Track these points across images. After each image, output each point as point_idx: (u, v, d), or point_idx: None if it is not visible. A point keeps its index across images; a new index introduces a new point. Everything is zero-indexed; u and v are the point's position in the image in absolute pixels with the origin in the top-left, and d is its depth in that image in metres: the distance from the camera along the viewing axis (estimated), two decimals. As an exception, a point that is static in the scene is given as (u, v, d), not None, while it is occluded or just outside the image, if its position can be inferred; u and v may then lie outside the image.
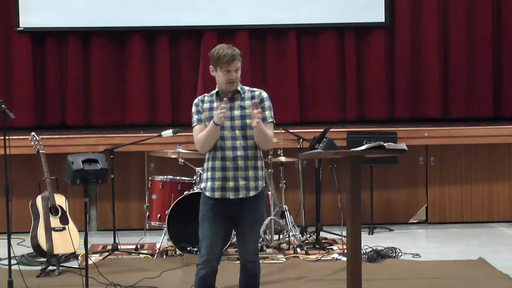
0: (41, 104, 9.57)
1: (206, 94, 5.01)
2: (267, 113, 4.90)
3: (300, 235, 7.76)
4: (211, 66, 4.91)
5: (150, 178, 7.69)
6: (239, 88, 4.91)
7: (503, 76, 9.85)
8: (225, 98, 4.79)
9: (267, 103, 4.92)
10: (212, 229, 4.85)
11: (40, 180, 7.18)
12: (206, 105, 4.94)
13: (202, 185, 4.95)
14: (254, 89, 4.98)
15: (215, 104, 4.90)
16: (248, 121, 4.84)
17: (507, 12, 9.81)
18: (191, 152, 7.61)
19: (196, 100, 4.99)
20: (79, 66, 9.54)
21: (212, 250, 4.84)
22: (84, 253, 5.77)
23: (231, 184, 4.84)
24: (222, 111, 4.72)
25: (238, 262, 5.04)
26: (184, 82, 9.64)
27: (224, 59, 4.81)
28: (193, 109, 4.96)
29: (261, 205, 4.99)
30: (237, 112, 4.87)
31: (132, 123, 9.58)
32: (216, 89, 4.95)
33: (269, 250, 7.49)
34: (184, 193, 7.26)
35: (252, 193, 4.87)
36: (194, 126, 4.94)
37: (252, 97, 4.88)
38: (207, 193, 4.90)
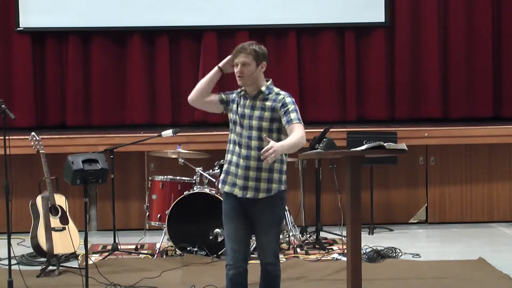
0: (41, 104, 9.56)
1: (234, 91, 4.97)
2: (293, 115, 4.72)
3: (300, 235, 7.76)
4: None
5: (150, 178, 7.68)
6: (263, 89, 4.83)
7: (503, 76, 9.85)
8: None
9: (292, 107, 4.75)
10: (233, 228, 4.81)
11: (40, 180, 7.17)
12: (232, 96, 4.92)
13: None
14: (282, 92, 4.86)
15: (242, 101, 4.86)
16: (264, 123, 4.77)
17: (507, 12, 9.80)
18: (191, 152, 7.61)
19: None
20: (79, 66, 9.53)
21: (238, 250, 4.78)
22: (84, 253, 5.77)
23: (240, 182, 4.79)
24: (228, 57, 4.83)
25: (259, 262, 4.93)
26: (184, 82, 9.62)
27: (233, 52, 4.84)
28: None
29: (275, 208, 4.83)
30: (257, 113, 4.79)
31: (132, 123, 9.57)
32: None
33: (269, 250, 7.49)
34: (184, 193, 7.25)
35: (261, 195, 4.77)
36: None
37: (275, 100, 4.79)
38: (220, 185, 4.96)
